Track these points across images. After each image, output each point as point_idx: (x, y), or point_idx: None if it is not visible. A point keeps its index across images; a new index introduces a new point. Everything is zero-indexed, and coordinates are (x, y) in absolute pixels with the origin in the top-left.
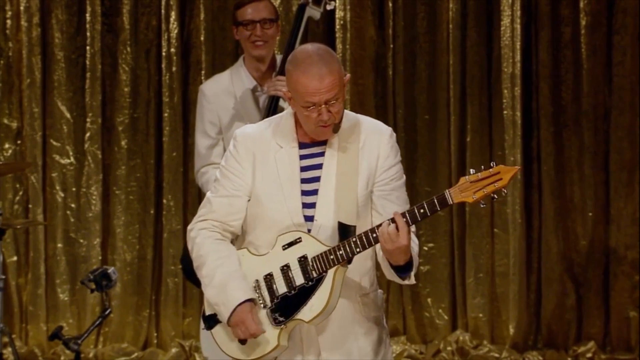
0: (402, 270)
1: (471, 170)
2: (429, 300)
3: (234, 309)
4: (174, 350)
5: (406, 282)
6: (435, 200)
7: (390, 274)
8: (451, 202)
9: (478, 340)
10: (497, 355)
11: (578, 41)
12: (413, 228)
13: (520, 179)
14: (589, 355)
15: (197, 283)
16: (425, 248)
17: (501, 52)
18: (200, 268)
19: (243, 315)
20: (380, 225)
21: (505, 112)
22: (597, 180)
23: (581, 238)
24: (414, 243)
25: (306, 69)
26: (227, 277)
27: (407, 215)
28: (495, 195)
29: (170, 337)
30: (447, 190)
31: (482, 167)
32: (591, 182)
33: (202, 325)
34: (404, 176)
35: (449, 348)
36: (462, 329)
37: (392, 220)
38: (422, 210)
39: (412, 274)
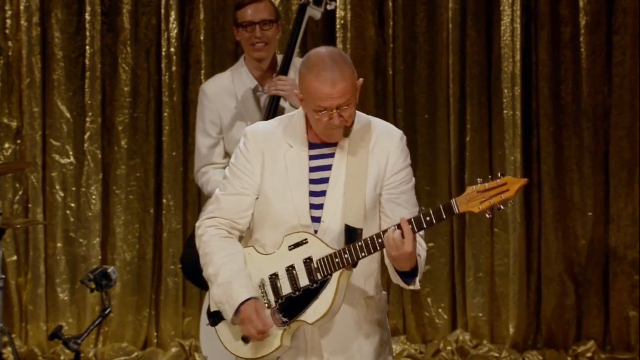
0: (408, 275)
1: (478, 179)
2: (428, 299)
3: (238, 307)
4: (173, 349)
5: (411, 287)
6: (442, 209)
7: (395, 279)
8: (457, 211)
9: (478, 340)
10: (496, 354)
11: (578, 41)
12: (422, 233)
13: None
14: (589, 354)
15: (197, 282)
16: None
17: (501, 51)
18: (206, 266)
19: (248, 312)
20: (386, 230)
21: (505, 111)
22: (596, 180)
23: (581, 237)
24: (422, 248)
25: (319, 74)
26: (232, 275)
27: (412, 221)
28: (502, 206)
29: (170, 336)
30: (453, 199)
31: (490, 177)
32: (591, 182)
33: (202, 324)
34: (414, 179)
35: (448, 347)
36: (461, 329)
37: (398, 226)
38: (427, 218)
39: (417, 279)
